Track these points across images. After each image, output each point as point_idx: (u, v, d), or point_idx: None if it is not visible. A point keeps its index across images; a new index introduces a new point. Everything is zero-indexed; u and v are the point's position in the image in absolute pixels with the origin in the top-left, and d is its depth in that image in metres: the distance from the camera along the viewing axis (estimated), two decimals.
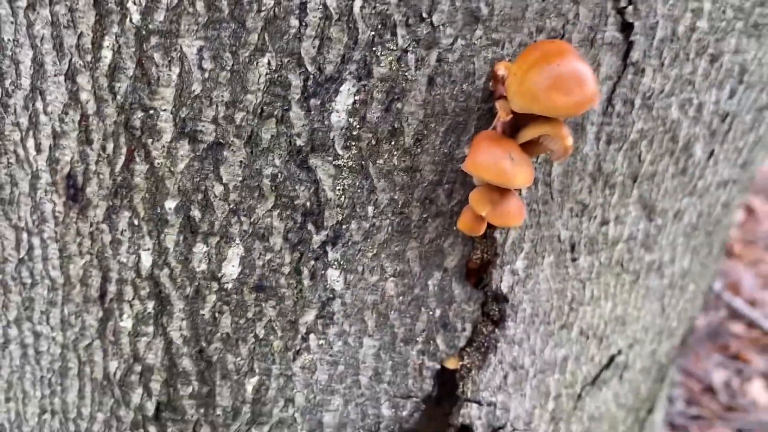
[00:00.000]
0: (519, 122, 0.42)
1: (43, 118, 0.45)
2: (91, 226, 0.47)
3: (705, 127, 0.55)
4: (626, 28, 0.45)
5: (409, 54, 0.41)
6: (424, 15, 0.40)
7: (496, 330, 0.51)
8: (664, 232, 0.60)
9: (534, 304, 0.52)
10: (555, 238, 0.51)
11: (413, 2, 0.40)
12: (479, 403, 0.53)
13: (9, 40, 0.42)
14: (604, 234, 0.54)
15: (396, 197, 0.46)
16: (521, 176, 0.41)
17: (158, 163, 0.44)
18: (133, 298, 0.49)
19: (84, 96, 0.43)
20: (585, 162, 0.49)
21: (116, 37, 0.41)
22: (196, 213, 0.45)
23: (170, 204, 0.45)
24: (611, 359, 0.64)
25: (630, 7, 0.44)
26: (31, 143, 0.46)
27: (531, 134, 0.42)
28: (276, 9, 0.40)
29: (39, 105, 0.44)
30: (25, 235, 0.50)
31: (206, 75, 0.41)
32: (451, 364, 0.52)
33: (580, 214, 0.51)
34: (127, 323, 0.50)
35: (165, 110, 0.42)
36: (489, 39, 0.42)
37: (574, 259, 0.53)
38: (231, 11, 0.40)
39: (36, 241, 0.50)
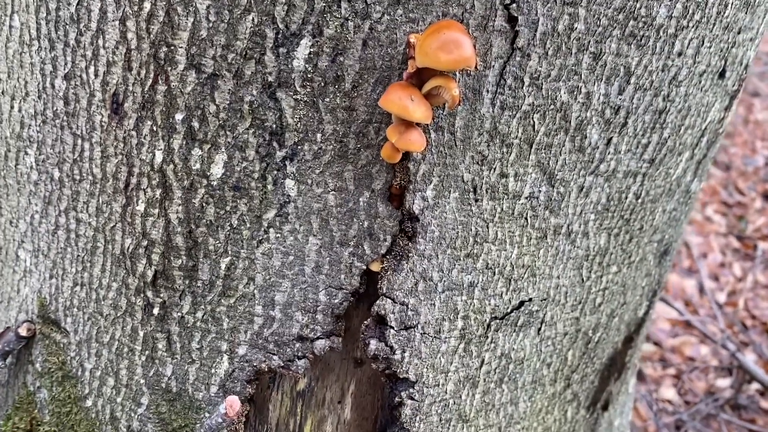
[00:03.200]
0: (423, 78, 0.60)
1: (102, 51, 0.65)
2: (124, 132, 0.67)
3: (597, 114, 0.71)
4: (513, 20, 0.62)
5: (349, 21, 0.60)
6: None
7: (410, 244, 0.68)
8: (569, 201, 0.75)
9: (442, 229, 0.68)
10: (459, 178, 0.67)
11: None
12: (393, 300, 0.69)
13: None
14: (504, 185, 0.70)
15: (338, 129, 0.64)
16: (418, 112, 0.58)
17: (173, 86, 0.63)
18: (146, 187, 0.67)
19: (129, 35, 0.63)
20: (482, 121, 0.65)
21: None
22: (195, 124, 0.64)
23: (179, 116, 0.64)
24: (521, 303, 0.79)
25: (514, 5, 0.61)
26: (92, 70, 0.66)
27: (430, 85, 0.59)
28: None
29: (100, 42, 0.65)
30: (79, 141, 0.70)
31: (210, 24, 0.61)
32: (375, 267, 0.68)
33: (480, 163, 0.67)
34: (140, 207, 0.68)
35: (181, 47, 0.62)
36: (407, 17, 0.60)
37: (476, 200, 0.69)
38: None
39: (86, 145, 0.70)
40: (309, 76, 0.61)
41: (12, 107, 0.75)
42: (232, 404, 0.67)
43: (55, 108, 0.70)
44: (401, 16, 0.60)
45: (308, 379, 0.74)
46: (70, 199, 0.73)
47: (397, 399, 0.73)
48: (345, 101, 0.62)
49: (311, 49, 0.60)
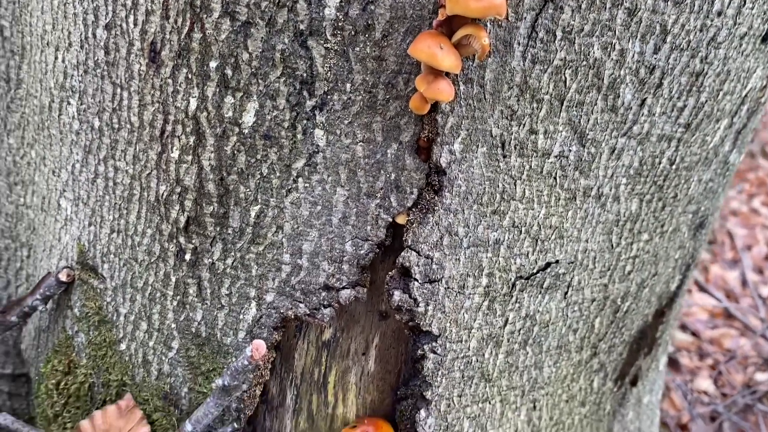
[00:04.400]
0: (454, 27, 0.60)
1: (141, 1, 0.67)
2: (161, 80, 0.69)
3: (631, 73, 0.70)
4: None
5: None
6: None
7: (436, 197, 0.68)
8: (599, 162, 0.75)
9: (468, 184, 0.69)
10: (487, 133, 0.67)
11: None
12: (418, 252, 0.69)
13: None
14: (533, 142, 0.69)
15: (367, 79, 0.64)
16: (447, 60, 0.59)
17: (208, 33, 0.65)
18: (181, 134, 0.69)
19: None
20: (513, 74, 0.65)
21: None
22: (228, 72, 0.65)
23: (213, 64, 0.66)
24: (548, 264, 0.79)
25: None
26: (131, 19, 0.68)
27: (460, 34, 0.59)
28: None
29: None
30: (119, 90, 0.72)
31: None
32: (401, 219, 0.69)
33: (510, 118, 0.67)
34: (175, 154, 0.70)
35: None
36: None
37: (504, 156, 0.69)
38: None
39: (125, 93, 0.72)
40: (340, 24, 0.62)
41: (56, 58, 0.78)
42: (258, 347, 0.69)
43: (96, 58, 0.72)
44: None
45: (333, 330, 0.76)
46: (108, 148, 0.76)
47: (419, 352, 0.74)
48: (375, 51, 0.63)
49: None
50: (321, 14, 0.62)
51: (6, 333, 0.93)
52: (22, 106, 0.89)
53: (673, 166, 0.82)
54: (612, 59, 0.68)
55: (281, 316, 0.72)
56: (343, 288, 0.71)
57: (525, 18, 0.63)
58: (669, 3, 0.67)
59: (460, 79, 0.64)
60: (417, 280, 0.70)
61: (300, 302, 0.71)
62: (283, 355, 0.77)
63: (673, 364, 3.00)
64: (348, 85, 0.64)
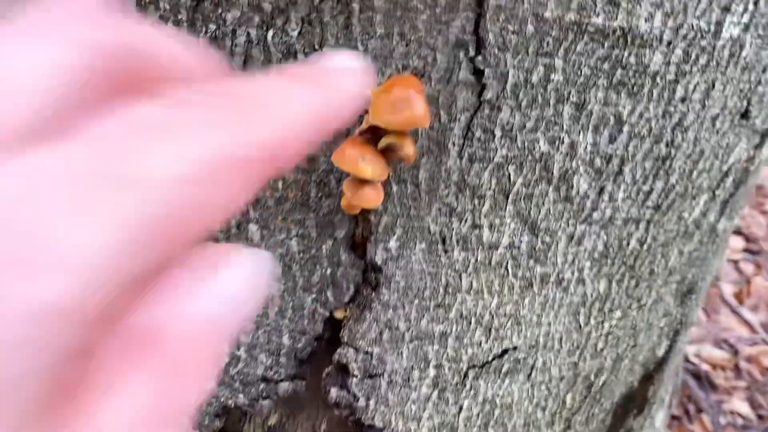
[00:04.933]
0: (379, 133, 0.58)
1: None
2: None
3: (585, 164, 0.67)
4: (478, 72, 0.59)
5: None
6: (316, 47, 0.57)
7: (373, 293, 0.66)
8: (557, 250, 0.72)
9: (408, 279, 0.66)
10: (425, 230, 0.65)
11: (308, 38, 0.57)
12: (356, 348, 0.68)
13: None
14: (477, 236, 0.67)
15: (299, 177, 0.63)
16: (369, 170, 0.56)
17: None
18: None
19: None
20: (449, 173, 0.63)
21: None
22: None
23: None
24: (504, 351, 0.76)
25: (480, 57, 0.58)
26: None
27: (383, 142, 0.57)
28: None
29: None
30: None
31: None
32: (339, 314, 0.67)
33: (449, 215, 0.65)
34: None
35: None
36: None
37: (446, 251, 0.66)
38: None
39: None
40: None
41: None
42: None
43: None
44: None
45: (279, 416, 0.75)
46: None
47: None
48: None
49: None
50: None
51: None
52: None
53: (644, 246, 0.78)
54: (561, 152, 0.65)
55: (222, 405, 0.71)
56: (282, 380, 0.70)
57: (459, 119, 0.60)
58: (622, 95, 0.63)
59: (393, 180, 0.62)
60: (355, 376, 0.68)
61: (239, 392, 0.71)
62: None
63: (708, 383, 2.90)
64: (280, 183, 0.63)
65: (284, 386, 0.69)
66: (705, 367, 3.09)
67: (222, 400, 0.71)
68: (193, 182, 0.20)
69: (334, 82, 0.29)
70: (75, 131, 0.20)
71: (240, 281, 0.25)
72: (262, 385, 0.70)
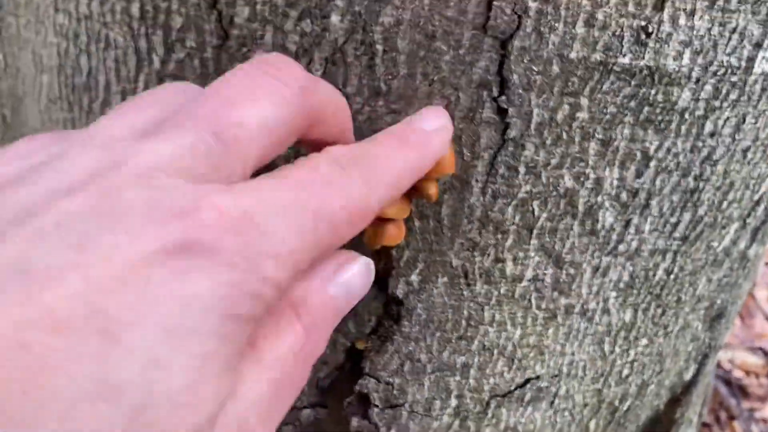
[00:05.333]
0: None
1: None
2: None
3: (611, 199, 0.66)
4: (502, 111, 0.58)
5: None
6: (340, 86, 0.57)
7: (395, 326, 0.67)
8: (581, 282, 0.71)
9: (429, 312, 0.66)
10: (447, 264, 0.65)
11: (332, 78, 0.57)
12: (377, 379, 0.68)
13: None
14: (500, 270, 0.66)
15: None
16: (391, 210, 0.57)
17: None
18: None
19: None
20: (472, 209, 0.62)
21: None
22: None
23: None
24: (527, 380, 0.75)
25: (503, 97, 0.57)
26: None
27: None
28: None
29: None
30: None
31: None
32: (360, 344, 0.68)
33: (471, 249, 0.64)
34: None
35: None
36: (388, 108, 0.58)
37: (468, 284, 0.66)
38: None
39: None
40: (291, 161, 0.61)
41: None
42: None
43: None
44: (382, 107, 0.58)
45: None
46: None
47: None
48: None
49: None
50: None
51: None
52: None
53: (671, 276, 0.77)
54: (587, 188, 0.64)
55: None
56: (304, 408, 0.70)
57: (483, 156, 0.60)
58: (649, 131, 0.62)
59: (415, 216, 0.62)
60: (377, 406, 0.69)
61: None
62: None
63: (741, 390, 2.85)
64: None
65: (306, 414, 0.70)
66: (737, 373, 3.03)
67: None
68: (346, 223, 0.35)
69: (429, 144, 0.46)
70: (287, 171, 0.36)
71: (357, 275, 0.41)
72: None
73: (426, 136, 0.45)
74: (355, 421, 0.69)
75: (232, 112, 0.32)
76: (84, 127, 0.33)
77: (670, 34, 0.57)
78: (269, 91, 0.33)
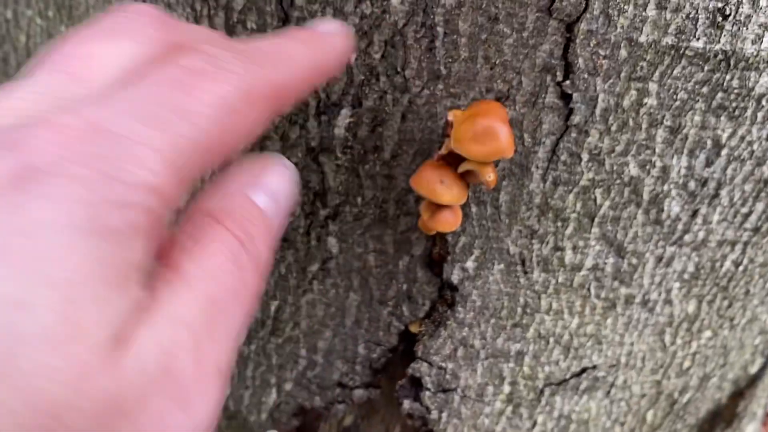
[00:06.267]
0: (460, 158, 0.57)
1: None
2: None
3: (678, 187, 0.63)
4: (566, 96, 0.56)
5: (388, 95, 0.58)
6: (399, 69, 0.56)
7: (449, 311, 0.66)
8: (644, 272, 0.69)
9: (484, 299, 0.66)
10: (504, 251, 0.64)
11: (391, 60, 0.56)
12: (430, 363, 0.68)
13: None
14: (559, 258, 0.65)
15: (377, 194, 0.63)
16: (447, 195, 0.56)
17: None
18: None
19: None
20: (531, 196, 0.61)
21: None
22: None
23: None
24: (583, 370, 0.74)
25: (567, 81, 0.55)
26: None
27: (463, 167, 0.56)
28: None
29: None
30: None
31: None
32: (414, 328, 0.68)
33: (530, 237, 0.63)
34: None
35: None
36: (448, 92, 0.57)
37: (525, 272, 0.65)
38: None
39: None
40: (349, 144, 0.61)
41: None
42: None
43: None
44: (441, 90, 0.57)
45: (354, 417, 0.77)
46: None
47: None
48: (384, 169, 0.61)
49: (351, 119, 0.60)
50: (331, 133, 0.61)
51: None
52: None
53: (740, 267, 0.74)
54: (653, 176, 0.62)
55: (299, 405, 0.74)
56: (357, 387, 0.71)
57: (544, 142, 0.58)
58: (722, 118, 0.59)
59: (472, 202, 0.61)
60: (429, 390, 0.69)
61: (316, 395, 0.73)
62: None
63: None
64: (359, 199, 0.63)
65: (359, 393, 0.71)
66: None
67: (299, 401, 0.74)
68: (226, 112, 0.29)
69: (325, 42, 0.41)
70: (146, 75, 0.29)
71: (279, 178, 0.35)
72: (337, 390, 0.72)
73: (323, 35, 0.42)
74: (406, 404, 0.69)
75: (83, 48, 0.30)
76: None
77: (749, 17, 0.54)
78: (128, 28, 0.32)
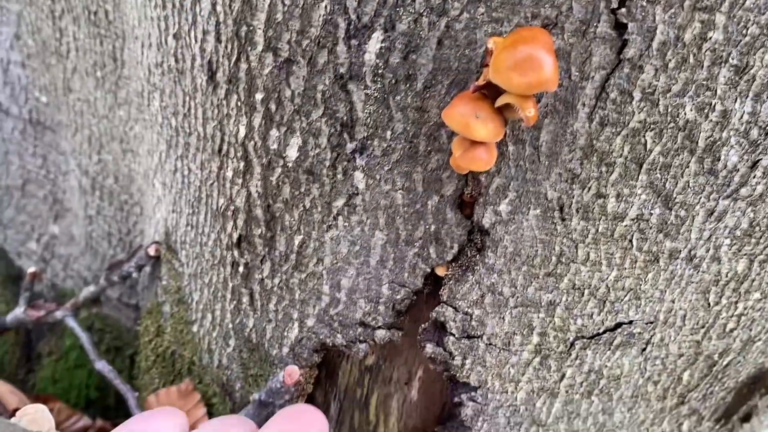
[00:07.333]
0: (498, 90, 0.52)
1: (198, 18, 0.65)
2: (218, 100, 0.68)
3: (738, 135, 0.58)
4: (620, 26, 0.51)
5: (423, 18, 0.53)
6: None
7: (478, 256, 0.63)
8: (692, 225, 0.64)
9: (517, 245, 0.62)
10: (542, 195, 0.59)
11: None
12: (455, 308, 0.65)
13: None
14: (600, 206, 0.60)
15: (408, 129, 0.59)
16: (482, 131, 0.52)
17: (253, 66, 0.62)
18: (233, 157, 0.69)
19: (218, 8, 0.62)
20: (575, 136, 0.56)
21: None
22: (272, 106, 0.63)
23: (258, 96, 0.63)
24: (618, 324, 0.70)
25: (623, 9, 0.50)
26: (192, 34, 0.67)
27: (502, 100, 0.52)
28: None
29: (197, 8, 0.65)
30: (187, 98, 0.73)
31: (285, 9, 0.58)
32: (440, 271, 0.65)
33: (570, 181, 0.59)
34: (229, 174, 0.71)
35: (259, 28, 0.60)
36: (490, 17, 0.52)
37: (563, 219, 0.61)
38: None
39: (192, 103, 0.72)
40: (380, 71, 0.56)
41: (142, 53, 0.80)
42: (291, 374, 0.70)
43: (169, 63, 0.73)
44: (483, 15, 0.52)
45: (376, 357, 0.75)
46: (183, 148, 0.78)
47: (456, 399, 0.71)
48: (416, 101, 0.57)
49: (382, 44, 0.55)
50: (360, 59, 0.57)
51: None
52: (126, 84, 0.94)
53: None
54: (711, 121, 0.56)
55: (320, 342, 0.72)
56: (379, 328, 0.69)
57: (593, 77, 0.53)
58: None
59: (509, 140, 0.57)
60: (453, 335, 0.66)
61: (338, 333, 0.71)
62: (328, 371, 0.78)
63: None
64: (388, 133, 0.59)
65: (381, 333, 0.69)
66: None
67: (321, 337, 0.72)
68: None
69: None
70: None
71: None
72: (359, 329, 0.70)
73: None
74: (429, 348, 0.67)
75: None
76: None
77: None
78: None
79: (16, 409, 0.94)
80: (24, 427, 0.88)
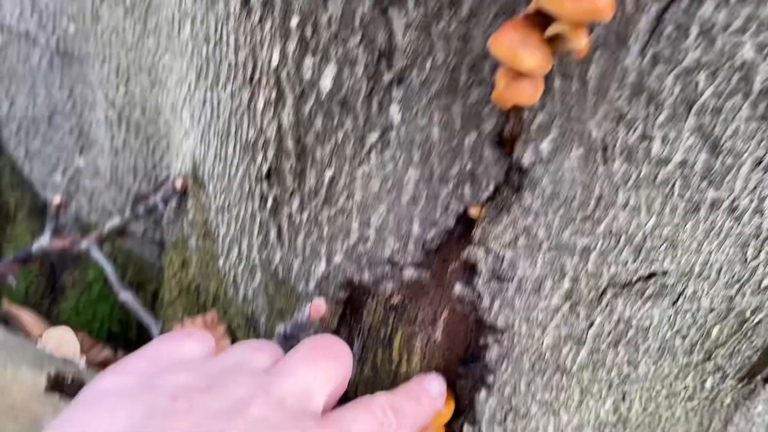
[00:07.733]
0: (549, 19, 0.50)
1: None
2: (251, 25, 0.66)
3: None
4: None
5: None
6: None
7: (514, 196, 0.61)
8: (737, 174, 0.61)
9: (555, 186, 0.60)
10: (585, 134, 0.57)
11: None
12: (487, 249, 0.64)
13: None
14: (645, 148, 0.58)
15: (449, 59, 0.56)
16: (528, 60, 0.49)
17: None
18: (265, 86, 0.67)
19: None
20: (625, 73, 0.54)
21: None
22: (308, 32, 0.61)
23: (294, 20, 0.61)
24: (652, 275, 0.69)
25: None
26: None
27: (552, 29, 0.49)
28: None
29: None
30: (219, 24, 0.71)
31: None
32: (474, 211, 0.63)
33: (616, 121, 0.56)
34: (260, 104, 0.69)
35: None
36: None
37: (606, 161, 0.59)
38: None
39: (224, 30, 0.70)
40: None
41: None
42: (318, 308, 0.69)
43: None
44: None
45: (402, 296, 0.74)
46: (213, 77, 0.76)
47: (482, 341, 0.70)
48: (460, 29, 0.55)
49: None
50: None
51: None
52: (156, 12, 0.92)
53: None
54: None
55: (347, 278, 0.71)
56: (407, 266, 0.68)
57: (648, 10, 0.50)
58: None
59: (556, 73, 0.54)
60: (483, 277, 0.65)
61: (365, 270, 0.70)
62: (353, 308, 0.77)
63: None
64: (428, 63, 0.57)
65: (409, 272, 0.68)
66: None
67: (348, 274, 0.71)
68: None
69: (432, 405, 0.66)
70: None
71: None
72: (387, 267, 0.69)
73: (432, 399, 0.67)
74: (458, 288, 0.66)
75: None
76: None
77: None
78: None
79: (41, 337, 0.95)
80: (50, 350, 0.89)
